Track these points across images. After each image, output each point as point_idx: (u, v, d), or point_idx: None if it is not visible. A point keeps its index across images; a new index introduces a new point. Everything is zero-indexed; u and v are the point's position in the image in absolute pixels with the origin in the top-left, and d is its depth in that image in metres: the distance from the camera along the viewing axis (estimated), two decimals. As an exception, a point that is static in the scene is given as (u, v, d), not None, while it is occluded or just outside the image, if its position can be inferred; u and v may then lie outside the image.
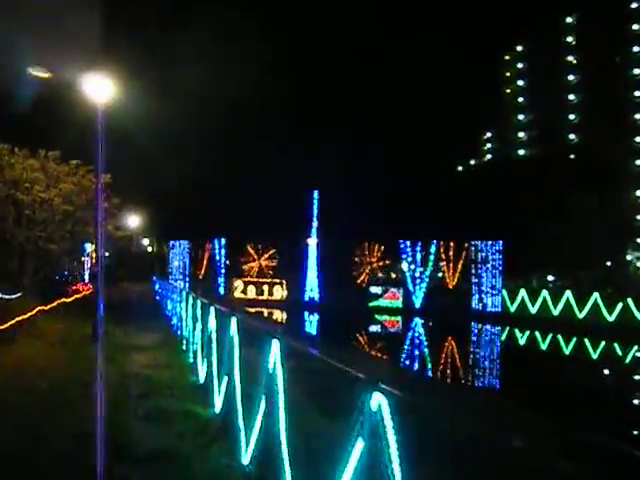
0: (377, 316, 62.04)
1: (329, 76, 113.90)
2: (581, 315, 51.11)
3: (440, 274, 70.06)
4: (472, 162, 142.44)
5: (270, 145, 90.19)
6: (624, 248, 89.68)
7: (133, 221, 62.32)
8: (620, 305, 48.16)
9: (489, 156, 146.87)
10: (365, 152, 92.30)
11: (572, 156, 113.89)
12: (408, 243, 64.75)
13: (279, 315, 60.63)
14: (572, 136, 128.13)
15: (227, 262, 71.70)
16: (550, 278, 78.79)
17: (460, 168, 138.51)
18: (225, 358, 10.57)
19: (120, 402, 11.59)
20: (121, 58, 24.55)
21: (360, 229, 74.97)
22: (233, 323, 9.95)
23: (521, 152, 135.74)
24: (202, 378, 14.11)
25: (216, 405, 11.33)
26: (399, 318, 62.55)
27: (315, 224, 68.37)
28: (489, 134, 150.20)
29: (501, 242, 60.02)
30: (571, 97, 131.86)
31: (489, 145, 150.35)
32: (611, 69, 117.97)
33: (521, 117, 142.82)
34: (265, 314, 57.39)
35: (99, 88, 21.82)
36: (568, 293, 52.53)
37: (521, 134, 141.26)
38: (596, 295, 50.15)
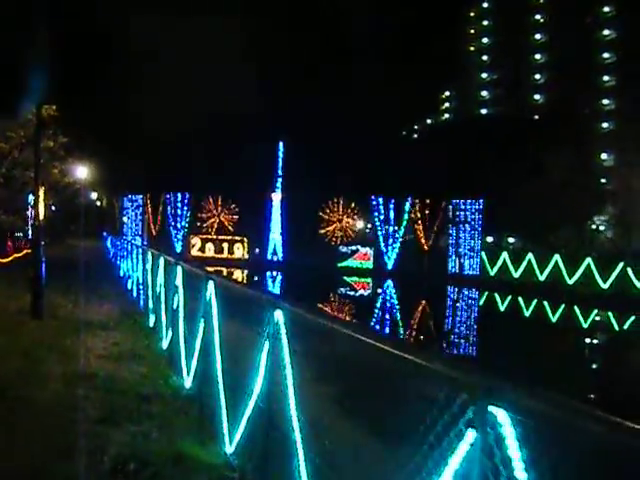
0: (346, 277, 58.31)
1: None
2: (571, 281, 47.82)
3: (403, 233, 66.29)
4: (429, 121, 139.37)
5: (233, 94, 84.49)
6: (589, 212, 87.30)
7: (81, 172, 57.43)
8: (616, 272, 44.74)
9: (447, 115, 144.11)
10: (332, 106, 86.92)
11: (536, 116, 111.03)
12: (380, 200, 60.74)
13: (239, 275, 56.40)
14: (537, 96, 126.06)
15: (184, 217, 66.85)
16: (511, 240, 76.12)
17: (416, 127, 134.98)
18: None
19: (65, 441, 7.07)
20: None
21: (329, 184, 70.07)
22: (279, 316, 5.57)
23: (483, 111, 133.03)
24: (189, 380, 9.61)
25: (226, 440, 6.94)
26: (369, 280, 58.86)
27: (280, 178, 63.83)
28: (447, 93, 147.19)
29: (481, 201, 56.41)
30: (537, 56, 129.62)
31: (447, 104, 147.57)
32: (580, 29, 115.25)
33: (484, 75, 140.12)
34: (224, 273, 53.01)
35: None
36: (557, 257, 49.10)
37: (484, 93, 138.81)
38: (588, 260, 46.79)
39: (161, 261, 14.13)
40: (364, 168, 72.53)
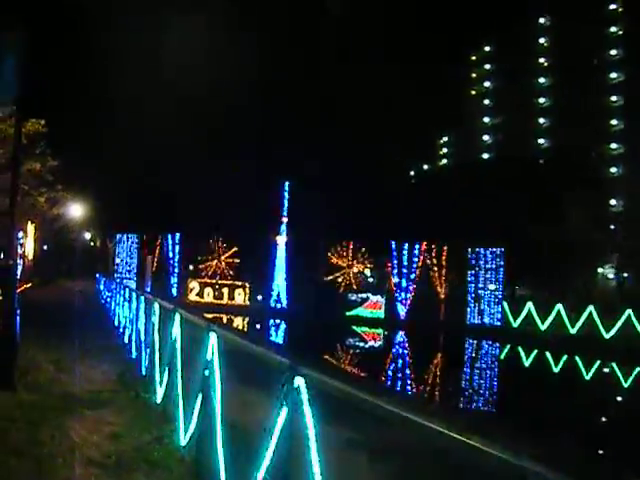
0: (355, 327, 54.35)
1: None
2: (608, 335, 44.09)
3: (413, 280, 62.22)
4: (425, 167, 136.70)
5: (236, 130, 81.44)
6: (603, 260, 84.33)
7: (75, 210, 54.34)
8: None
9: (445, 160, 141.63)
10: (339, 147, 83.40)
11: (541, 161, 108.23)
12: (393, 245, 57.00)
13: (240, 323, 52.38)
14: (542, 140, 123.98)
15: (182, 260, 62.96)
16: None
17: (412, 172, 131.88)
18: None
19: None
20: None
21: (338, 227, 66.02)
22: None
23: (485, 156, 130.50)
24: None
25: None
26: (381, 331, 54.92)
27: (285, 220, 60.05)
28: (445, 138, 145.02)
29: (502, 248, 52.92)
30: (542, 100, 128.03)
31: (445, 149, 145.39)
32: (586, 72, 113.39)
33: (487, 120, 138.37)
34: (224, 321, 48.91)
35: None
36: (591, 308, 45.38)
37: (486, 137, 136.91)
38: (629, 312, 43.08)
39: (177, 319, 10.26)
40: (375, 211, 68.92)
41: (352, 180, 75.99)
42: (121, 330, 23.21)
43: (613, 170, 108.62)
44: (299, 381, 4.58)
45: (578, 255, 68.45)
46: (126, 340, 20.33)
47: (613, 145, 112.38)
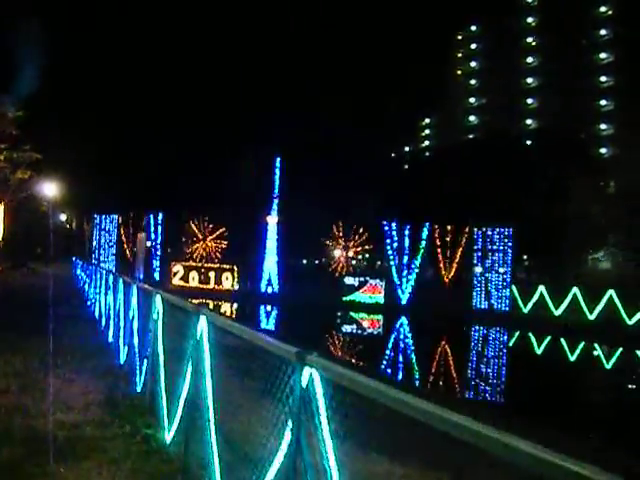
0: (352, 313, 50.97)
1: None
2: (631, 322, 41.15)
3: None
4: (407, 148, 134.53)
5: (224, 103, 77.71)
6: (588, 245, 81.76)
7: (50, 189, 50.52)
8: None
9: (427, 142, 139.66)
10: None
11: (529, 142, 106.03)
12: (393, 225, 53.37)
13: (227, 309, 48.83)
14: (529, 121, 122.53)
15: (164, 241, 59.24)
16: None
17: (393, 155, 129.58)
18: None
19: None
20: None
21: (334, 206, 62.36)
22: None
23: (470, 137, 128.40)
24: None
25: None
26: (380, 317, 51.47)
27: (276, 199, 56.28)
28: (427, 120, 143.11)
29: (511, 228, 49.70)
30: (529, 80, 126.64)
31: (427, 131, 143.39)
32: (575, 53, 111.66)
33: (472, 100, 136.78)
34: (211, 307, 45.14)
35: None
36: (611, 292, 42.30)
37: (472, 118, 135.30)
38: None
39: (202, 326, 6.52)
40: (372, 190, 65.39)
41: (344, 161, 72.37)
42: (103, 324, 19.40)
43: (603, 151, 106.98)
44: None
45: (578, 236, 65.89)
46: (110, 339, 16.54)
47: (602, 126, 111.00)
